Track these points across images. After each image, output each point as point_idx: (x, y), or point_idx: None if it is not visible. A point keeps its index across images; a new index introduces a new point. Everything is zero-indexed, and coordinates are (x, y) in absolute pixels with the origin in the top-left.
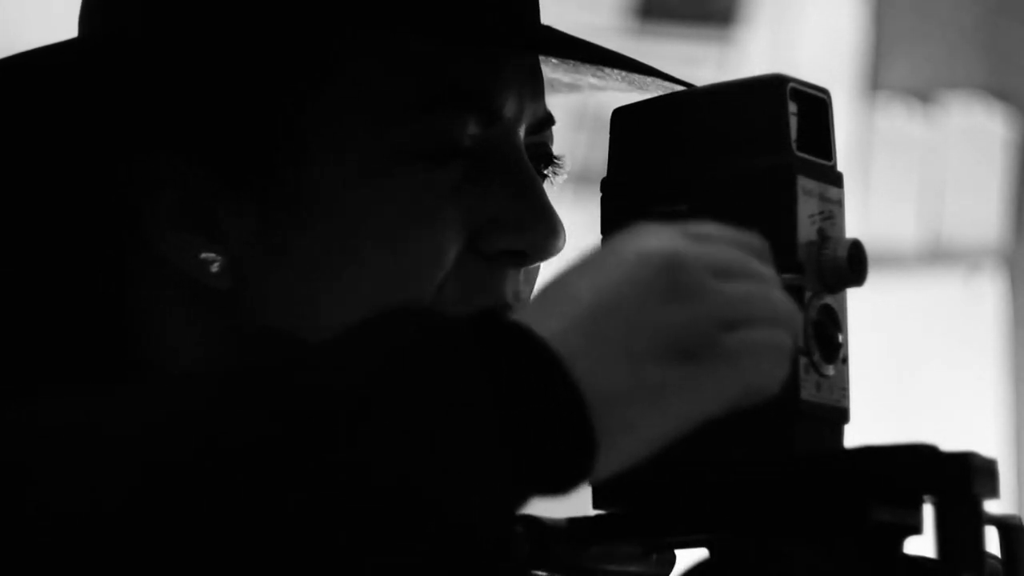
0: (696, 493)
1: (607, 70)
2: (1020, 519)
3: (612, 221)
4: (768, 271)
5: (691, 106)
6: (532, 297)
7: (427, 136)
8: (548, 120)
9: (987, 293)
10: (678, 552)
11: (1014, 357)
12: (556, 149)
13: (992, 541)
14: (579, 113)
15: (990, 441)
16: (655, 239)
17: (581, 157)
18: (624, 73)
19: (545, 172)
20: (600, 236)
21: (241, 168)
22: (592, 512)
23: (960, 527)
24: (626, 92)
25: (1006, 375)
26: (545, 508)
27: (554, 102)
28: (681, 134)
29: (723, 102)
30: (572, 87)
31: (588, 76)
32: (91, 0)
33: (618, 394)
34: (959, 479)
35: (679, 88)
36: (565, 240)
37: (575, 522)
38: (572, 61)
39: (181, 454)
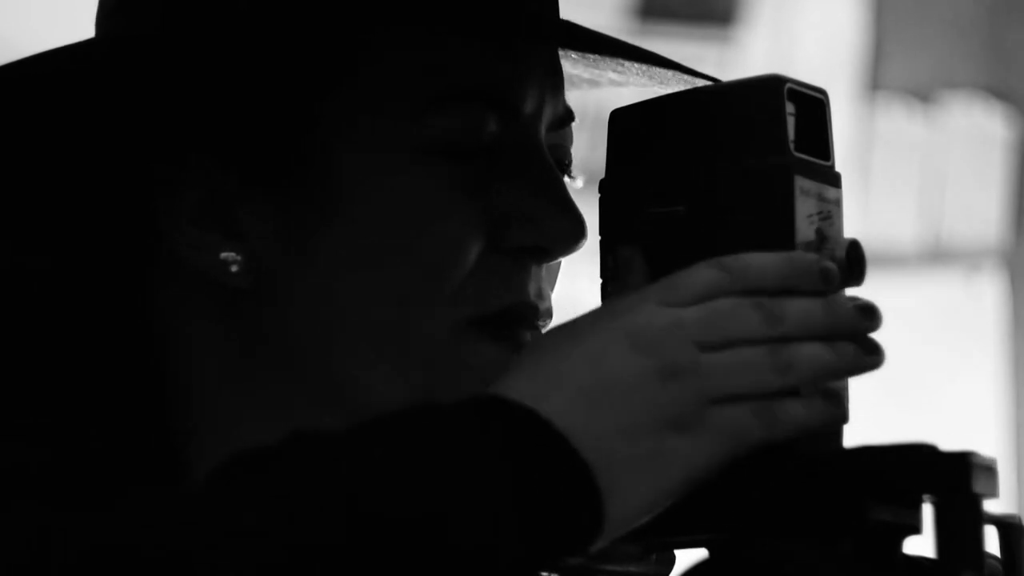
0: (696, 493)
1: (627, 65)
2: (1020, 519)
3: (610, 222)
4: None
5: (689, 107)
6: (524, 366)
7: (447, 132)
8: (568, 116)
9: (987, 293)
10: (678, 552)
11: (1014, 357)
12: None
13: (992, 541)
14: (579, 113)
15: (990, 441)
16: (642, 316)
17: (581, 157)
18: (645, 68)
19: (565, 169)
20: (599, 236)
21: (262, 166)
22: None
23: (960, 527)
24: (647, 88)
25: (1006, 375)
26: None
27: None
28: (679, 135)
29: (721, 103)
30: (592, 83)
31: (608, 72)
32: (109, 1)
33: (619, 464)
34: (959, 478)
35: (700, 82)
36: (587, 235)
37: None
38: (592, 56)
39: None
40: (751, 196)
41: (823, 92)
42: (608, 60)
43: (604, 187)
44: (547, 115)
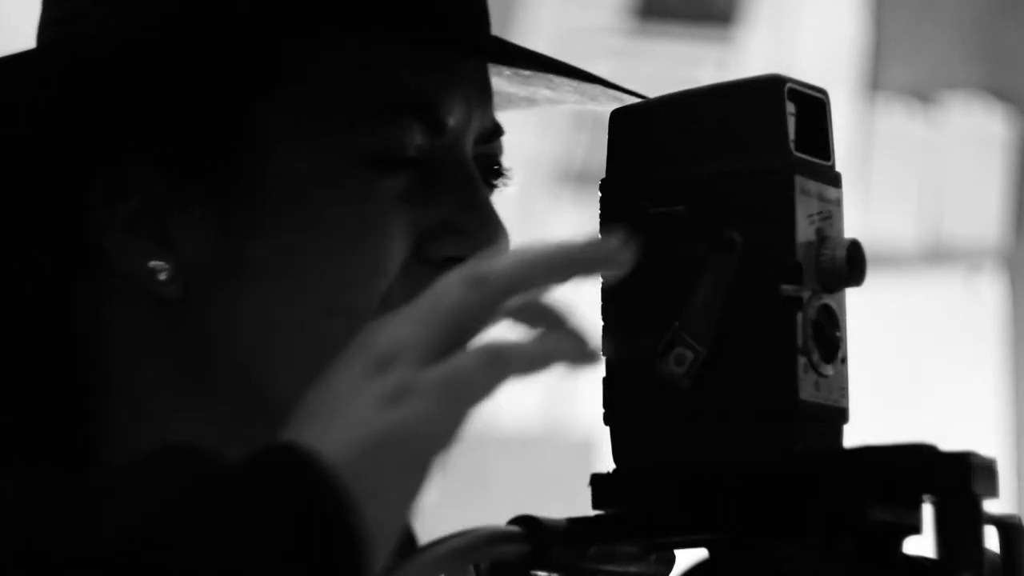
0: (696, 493)
1: (557, 82)
2: (1020, 519)
3: (611, 222)
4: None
5: (689, 107)
6: None
7: (375, 144)
8: (497, 131)
9: (987, 293)
10: (678, 552)
11: (1014, 357)
12: (556, 149)
13: (992, 541)
14: (579, 114)
15: (990, 441)
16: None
17: (581, 157)
18: (575, 84)
19: (493, 183)
20: (599, 237)
21: (198, 175)
22: (592, 512)
23: (960, 527)
24: (580, 105)
25: (1006, 375)
26: (545, 508)
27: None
28: (679, 135)
29: (721, 103)
30: (529, 101)
31: (542, 89)
32: (49, 10)
33: (359, 458)
34: (958, 479)
35: (629, 99)
36: (509, 246)
37: (575, 522)
38: (525, 73)
39: None
40: (752, 196)
41: (823, 92)
42: (539, 77)
43: (604, 187)
44: (474, 129)
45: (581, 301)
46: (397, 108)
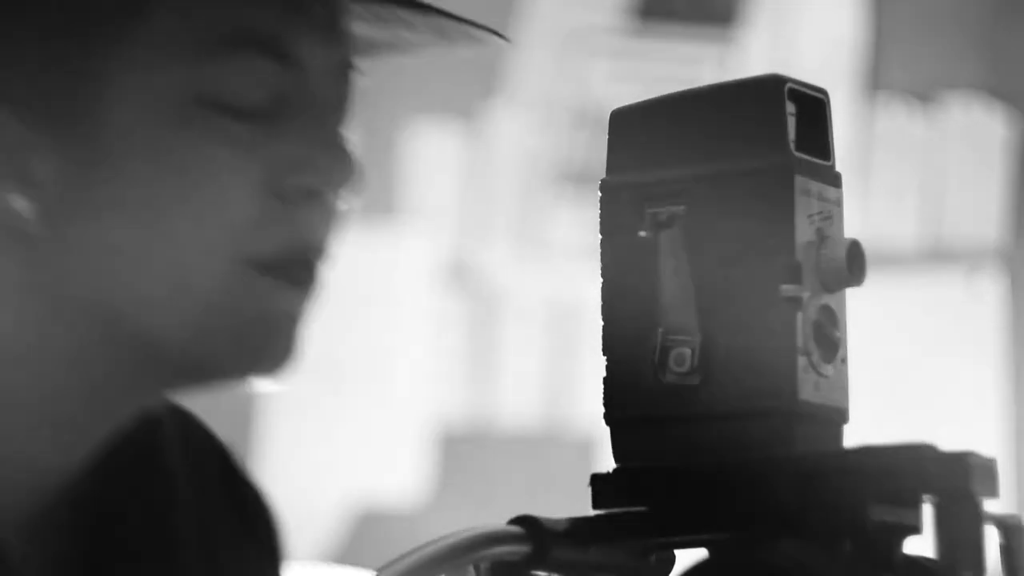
0: (696, 493)
1: (417, 23)
2: (1020, 519)
3: (611, 221)
4: None
5: (690, 107)
6: None
7: (223, 82)
8: (348, 65)
9: (987, 293)
10: (678, 552)
11: (1014, 357)
12: (556, 149)
13: (992, 541)
14: (579, 113)
15: (990, 441)
16: None
17: (581, 157)
18: (435, 24)
19: (345, 117)
20: (599, 236)
21: (51, 116)
22: (592, 512)
23: (960, 527)
24: (438, 46)
25: (1006, 375)
26: (545, 508)
27: (553, 102)
28: (679, 134)
29: (721, 102)
30: (390, 45)
31: (402, 31)
32: None
33: None
34: (958, 479)
35: (489, 38)
36: (358, 174)
37: (575, 522)
38: (382, 16)
39: None
40: (752, 195)
41: (823, 92)
42: (398, 20)
43: (604, 187)
44: (326, 64)
45: (584, 299)
46: (245, 44)
